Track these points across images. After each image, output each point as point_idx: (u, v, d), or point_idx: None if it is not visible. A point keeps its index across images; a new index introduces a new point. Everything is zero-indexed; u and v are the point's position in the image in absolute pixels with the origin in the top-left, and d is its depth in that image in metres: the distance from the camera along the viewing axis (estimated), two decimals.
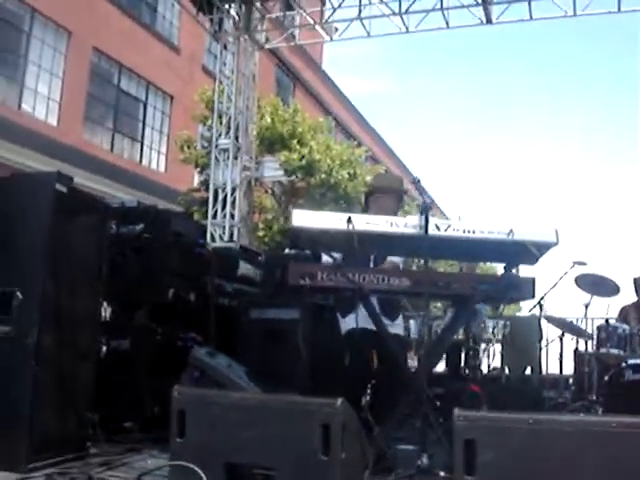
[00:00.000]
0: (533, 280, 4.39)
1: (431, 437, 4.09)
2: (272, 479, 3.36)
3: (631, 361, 6.25)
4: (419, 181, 4.40)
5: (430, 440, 4.08)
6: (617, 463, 2.92)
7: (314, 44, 19.48)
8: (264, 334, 5.69)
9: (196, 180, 17.66)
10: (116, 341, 5.61)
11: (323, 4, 13.60)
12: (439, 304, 8.80)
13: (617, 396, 6.20)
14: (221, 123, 12.51)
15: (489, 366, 8.33)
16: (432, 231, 4.09)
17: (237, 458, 3.49)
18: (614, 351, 6.39)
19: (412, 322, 7.14)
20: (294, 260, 5.30)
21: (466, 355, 7.50)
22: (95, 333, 4.83)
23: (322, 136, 16.84)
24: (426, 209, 4.12)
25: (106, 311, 5.69)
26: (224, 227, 12.02)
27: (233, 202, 12.13)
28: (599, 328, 6.69)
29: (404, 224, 4.15)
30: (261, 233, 15.73)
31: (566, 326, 7.38)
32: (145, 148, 20.02)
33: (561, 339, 7.39)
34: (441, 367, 7.73)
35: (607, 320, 6.78)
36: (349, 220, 4.06)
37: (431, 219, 4.11)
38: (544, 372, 8.43)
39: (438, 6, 11.59)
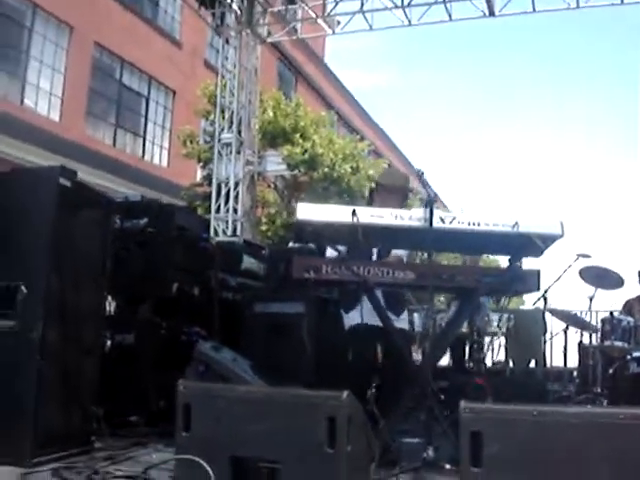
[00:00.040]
0: (538, 272, 4.38)
1: (436, 430, 4.10)
2: (278, 472, 3.36)
3: (635, 354, 6.25)
4: (422, 174, 4.39)
5: (435, 433, 4.09)
6: (624, 455, 2.90)
7: (316, 38, 19.43)
8: (268, 328, 5.68)
9: (199, 175, 17.67)
10: (121, 335, 5.61)
11: None
12: (443, 297, 8.80)
13: (621, 388, 6.21)
14: (223, 117, 12.51)
15: (493, 359, 8.34)
16: (437, 224, 4.08)
17: (243, 452, 3.48)
18: (618, 344, 6.39)
19: (416, 315, 7.14)
20: (298, 254, 5.28)
21: (470, 348, 7.49)
22: (100, 327, 4.82)
23: (325, 130, 16.82)
24: (430, 202, 4.11)
25: (110, 305, 5.68)
26: (227, 222, 12.03)
27: (236, 196, 12.14)
28: (603, 321, 6.70)
29: (409, 217, 4.14)
30: (264, 227, 15.73)
31: (570, 319, 7.38)
32: (147, 143, 20.02)
33: (565, 332, 7.38)
34: (445, 360, 7.73)
35: (611, 313, 6.78)
36: (354, 213, 4.05)
37: (435, 212, 4.10)
38: (548, 365, 8.44)
39: None
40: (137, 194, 7.04)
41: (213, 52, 20.42)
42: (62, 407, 4.24)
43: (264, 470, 3.40)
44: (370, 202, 5.31)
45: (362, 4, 12.08)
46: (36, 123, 15.33)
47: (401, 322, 5.03)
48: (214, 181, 12.44)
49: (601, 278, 6.95)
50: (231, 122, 12.35)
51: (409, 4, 11.81)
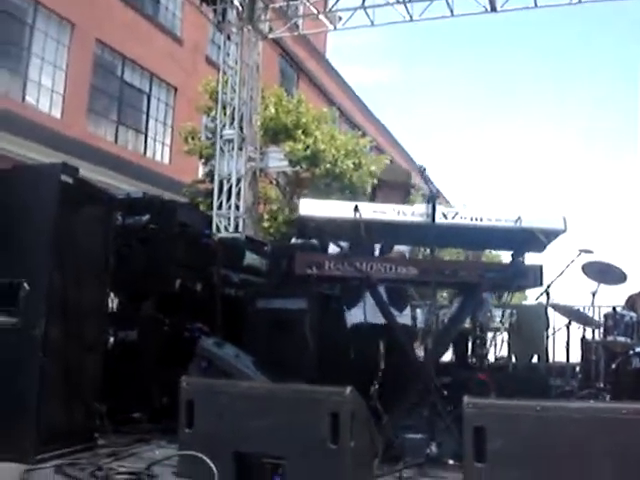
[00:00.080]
0: (540, 268, 4.37)
1: (439, 425, 4.10)
2: (281, 468, 3.36)
3: (638, 349, 6.25)
4: (425, 170, 4.38)
5: (438, 428, 4.09)
6: (627, 450, 2.91)
7: (318, 34, 19.40)
8: (271, 324, 5.68)
9: (200, 171, 17.66)
10: (123, 332, 5.61)
11: None
12: (445, 293, 8.80)
13: (624, 384, 6.21)
14: (225, 114, 12.51)
15: (496, 355, 8.34)
16: (439, 219, 4.07)
17: (246, 447, 3.49)
18: (621, 339, 6.38)
19: (419, 311, 7.14)
20: (301, 250, 5.28)
21: (473, 344, 7.49)
22: (102, 324, 4.82)
23: (326, 126, 16.79)
24: (433, 197, 4.11)
25: (113, 302, 5.69)
26: (229, 218, 12.04)
27: (238, 193, 12.14)
28: (606, 316, 6.69)
29: (411, 212, 4.14)
30: (266, 224, 15.72)
31: (573, 314, 7.37)
32: (149, 140, 20.03)
33: (568, 327, 7.38)
34: (448, 356, 7.73)
35: (614, 308, 6.77)
36: (356, 209, 4.05)
37: (438, 207, 4.10)
38: (551, 360, 8.42)
39: None
40: (139, 191, 7.04)
41: (214, 48, 20.39)
42: (65, 404, 4.24)
43: (267, 466, 3.41)
44: (372, 198, 5.31)
45: (363, 0, 12.07)
46: (38, 120, 15.34)
47: (404, 318, 5.03)
48: (216, 177, 12.45)
49: (604, 273, 6.94)
50: (233, 118, 12.35)
51: (410, 0, 11.80)
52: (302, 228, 4.64)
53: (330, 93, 27.62)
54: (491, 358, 7.95)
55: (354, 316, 4.98)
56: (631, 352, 6.27)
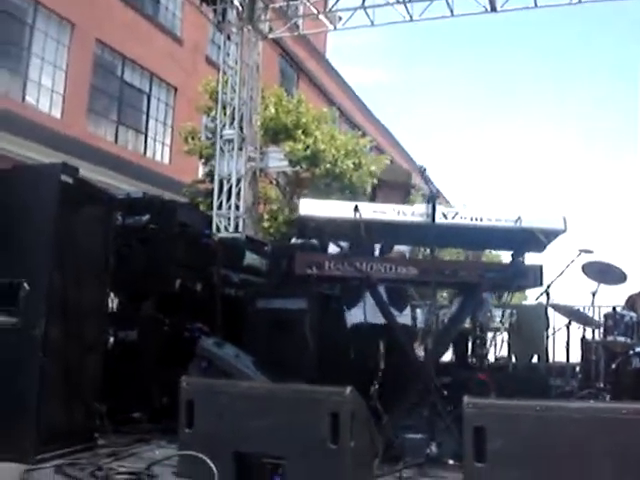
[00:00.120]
0: (540, 268, 4.38)
1: (439, 425, 4.10)
2: (281, 468, 3.36)
3: (638, 349, 6.25)
4: (425, 170, 4.38)
5: (438, 428, 4.09)
6: (627, 450, 2.91)
7: (318, 34, 19.41)
8: (271, 324, 5.68)
9: (200, 171, 17.66)
10: (123, 332, 5.61)
11: None
12: (445, 293, 8.80)
13: (624, 384, 6.21)
14: (225, 114, 12.51)
15: (496, 355, 8.34)
16: (439, 219, 4.08)
17: (246, 447, 3.49)
18: (621, 339, 6.39)
19: (419, 311, 7.14)
20: (301, 250, 5.28)
21: (473, 344, 7.49)
22: (102, 324, 4.82)
23: (326, 126, 16.78)
24: (433, 197, 4.11)
25: (113, 302, 5.69)
26: (229, 218, 12.04)
27: (238, 193, 12.15)
28: (606, 316, 6.69)
29: (411, 212, 4.15)
30: (266, 224, 15.71)
31: (573, 314, 7.37)
32: (149, 140, 20.02)
33: (568, 327, 7.38)
34: (448, 356, 7.73)
35: (614, 308, 6.77)
36: (356, 209, 4.05)
37: (438, 207, 4.10)
38: (551, 360, 8.42)
39: None
40: (139, 191, 7.04)
41: (214, 48, 20.39)
42: (65, 404, 4.24)
43: (267, 466, 3.41)
44: (373, 198, 5.31)
45: (363, 0, 12.07)
46: (38, 120, 15.33)
47: (404, 318, 5.03)
48: (216, 177, 12.45)
49: (604, 273, 6.94)
50: (233, 118, 12.35)
51: (410, 0, 11.80)
52: (302, 228, 4.64)
53: (330, 93, 27.61)
54: (491, 358, 7.95)
55: (354, 316, 4.98)
56: (631, 352, 6.27)
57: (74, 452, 4.11)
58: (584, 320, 7.33)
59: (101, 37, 17.58)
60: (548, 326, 8.06)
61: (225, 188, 12.21)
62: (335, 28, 13.29)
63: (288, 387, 3.75)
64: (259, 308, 5.88)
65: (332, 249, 4.72)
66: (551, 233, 4.16)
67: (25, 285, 4.07)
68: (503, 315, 7.64)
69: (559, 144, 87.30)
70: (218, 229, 11.64)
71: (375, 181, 5.66)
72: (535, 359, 8.77)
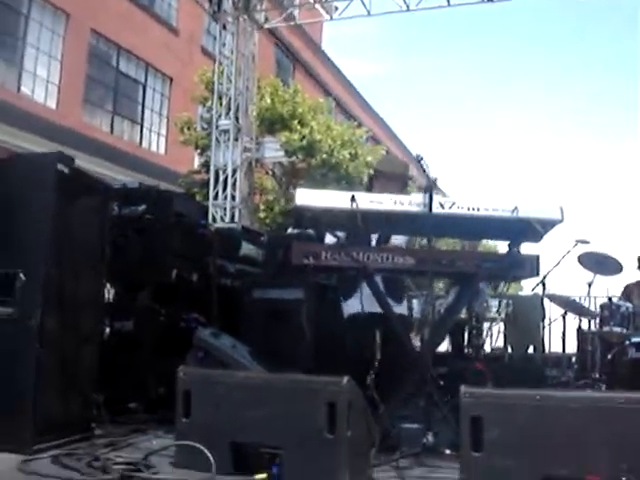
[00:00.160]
0: (537, 258, 4.38)
1: (436, 415, 4.11)
2: (278, 458, 3.36)
3: (634, 339, 6.27)
4: (422, 159, 4.37)
5: (435, 418, 4.10)
6: (624, 440, 2.91)
7: (314, 24, 19.35)
8: (267, 314, 5.67)
9: (196, 162, 17.62)
10: (120, 322, 5.61)
11: None
12: (442, 284, 8.81)
13: (620, 374, 6.23)
14: (221, 104, 12.47)
15: (492, 345, 8.36)
16: (436, 209, 4.07)
17: (243, 437, 3.49)
18: (617, 329, 6.41)
19: (415, 301, 7.14)
20: (297, 240, 5.27)
21: (469, 334, 7.50)
22: (99, 315, 4.81)
23: (322, 117, 16.77)
24: (430, 187, 4.10)
25: (109, 292, 5.68)
26: (225, 208, 12.02)
27: (234, 183, 12.12)
28: (602, 306, 6.72)
29: (408, 202, 4.14)
30: (262, 214, 15.71)
31: (569, 305, 7.38)
32: (145, 130, 19.98)
33: (564, 318, 7.39)
34: (445, 346, 7.74)
35: (610, 298, 6.79)
36: (353, 199, 4.04)
37: (435, 197, 4.09)
38: (547, 351, 8.45)
39: None
40: (135, 181, 7.00)
41: (210, 39, 20.33)
42: (62, 394, 4.23)
43: (264, 456, 3.41)
44: (369, 189, 5.28)
45: None
46: (33, 110, 15.29)
47: (400, 308, 5.03)
48: (212, 168, 12.42)
49: (600, 264, 6.96)
50: (229, 109, 12.32)
51: None
52: (298, 218, 4.63)
53: (326, 84, 27.59)
54: (487, 348, 7.98)
55: (351, 306, 4.97)
56: (627, 342, 6.29)
57: (71, 442, 4.10)
58: (580, 310, 7.35)
59: (96, 27, 17.52)
60: (544, 316, 8.09)
61: (221, 178, 12.19)
62: (331, 18, 13.23)
63: (285, 377, 3.75)
64: (255, 298, 5.87)
65: (329, 239, 4.71)
66: (548, 223, 4.16)
67: (21, 275, 4.05)
68: (499, 305, 7.66)
69: (556, 134, 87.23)
70: (214, 219, 11.62)
71: (371, 172, 5.64)
72: (531, 349, 8.79)
